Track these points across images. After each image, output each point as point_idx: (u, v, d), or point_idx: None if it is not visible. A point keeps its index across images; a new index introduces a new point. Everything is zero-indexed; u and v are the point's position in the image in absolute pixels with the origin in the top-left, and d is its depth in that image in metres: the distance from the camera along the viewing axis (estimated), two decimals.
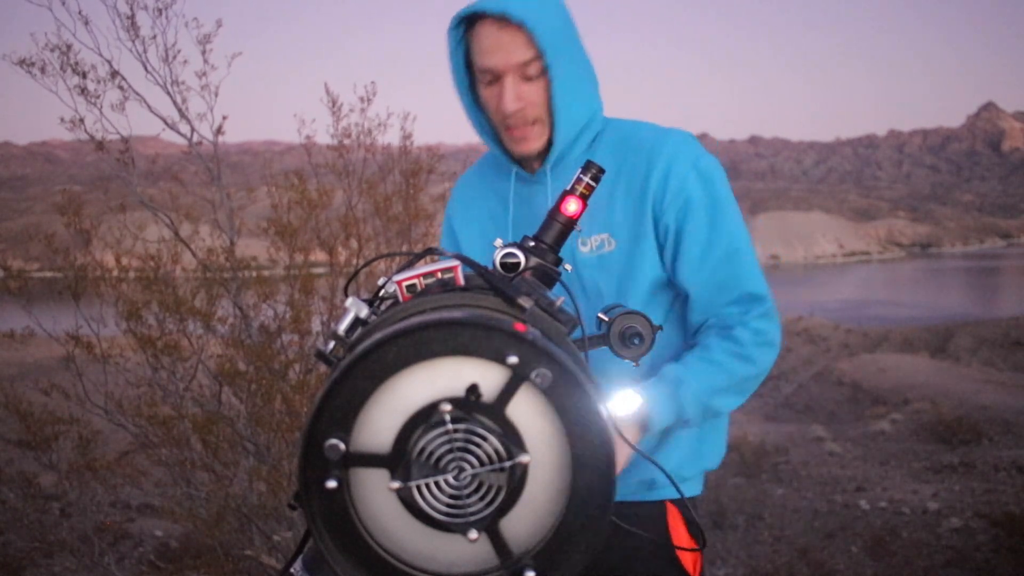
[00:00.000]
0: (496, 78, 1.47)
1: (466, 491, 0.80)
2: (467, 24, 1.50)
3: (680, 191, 1.49)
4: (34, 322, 4.11)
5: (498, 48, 1.44)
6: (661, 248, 1.53)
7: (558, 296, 1.11)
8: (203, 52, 3.98)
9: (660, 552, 1.58)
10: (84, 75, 3.84)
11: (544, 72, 1.46)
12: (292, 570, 1.07)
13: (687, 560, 1.58)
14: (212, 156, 4.15)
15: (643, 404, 1.39)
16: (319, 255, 4.46)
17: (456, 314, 0.85)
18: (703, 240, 1.49)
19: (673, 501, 1.60)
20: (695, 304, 1.52)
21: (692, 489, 1.64)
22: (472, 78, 1.55)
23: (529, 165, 1.59)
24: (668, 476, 1.29)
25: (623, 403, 1.37)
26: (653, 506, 1.59)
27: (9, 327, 4.22)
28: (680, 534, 1.60)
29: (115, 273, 4.21)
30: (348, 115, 4.41)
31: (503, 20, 1.43)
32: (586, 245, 1.55)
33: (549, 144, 1.53)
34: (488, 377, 0.80)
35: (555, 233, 1.24)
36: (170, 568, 4.64)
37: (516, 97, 1.46)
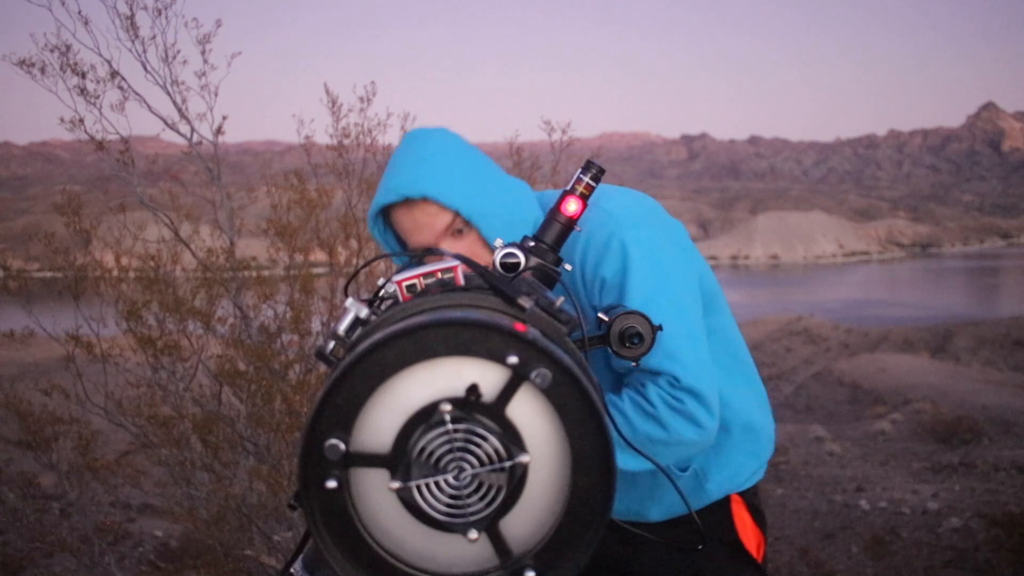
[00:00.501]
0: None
1: (466, 491, 0.80)
2: (383, 217, 1.55)
3: (595, 276, 1.48)
4: (34, 322, 4.11)
5: (418, 227, 1.48)
6: None
7: (558, 296, 1.11)
8: (203, 52, 3.98)
9: (726, 547, 1.60)
10: (84, 75, 3.84)
11: (468, 223, 1.48)
12: (292, 570, 1.07)
13: (751, 547, 1.61)
14: (212, 156, 4.15)
15: None
16: (319, 255, 4.46)
17: (456, 314, 0.85)
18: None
19: (739, 493, 1.63)
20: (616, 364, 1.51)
21: (751, 480, 1.65)
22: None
23: None
24: (668, 475, 1.29)
25: None
26: (718, 503, 1.61)
27: (9, 327, 4.22)
28: (745, 522, 1.63)
29: (115, 273, 4.21)
30: (348, 115, 4.41)
31: (408, 202, 1.47)
32: None
33: None
34: (488, 377, 0.80)
35: (555, 233, 1.24)
36: (170, 568, 4.64)
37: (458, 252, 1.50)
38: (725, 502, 1.63)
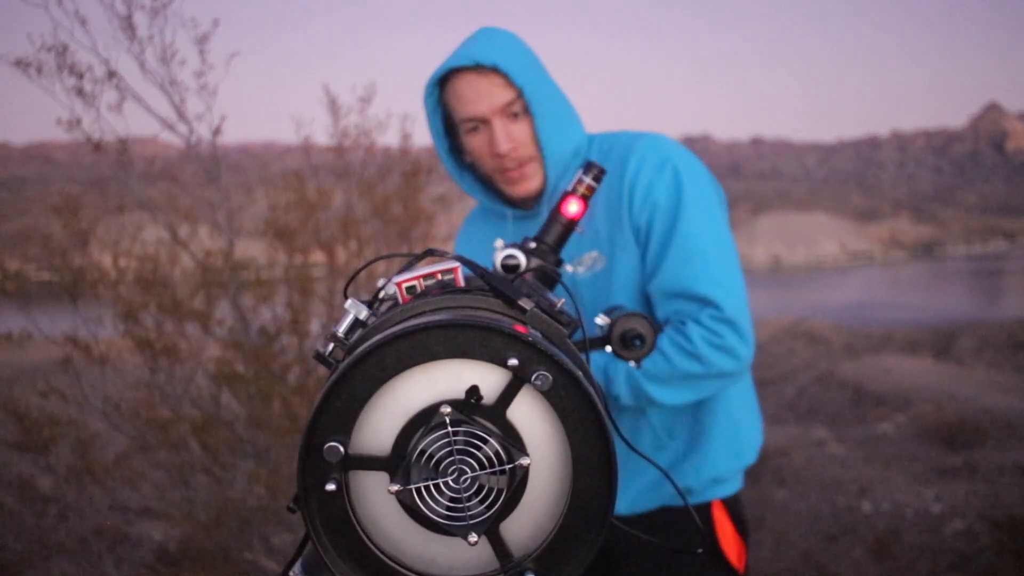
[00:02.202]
0: (482, 125, 1.52)
1: (466, 494, 0.80)
2: (441, 85, 1.55)
3: (647, 196, 1.50)
4: (32, 324, 4.10)
5: (480, 95, 1.50)
6: (644, 256, 1.53)
7: (559, 298, 1.10)
8: (201, 52, 3.97)
9: (705, 553, 1.61)
10: (81, 76, 3.83)
11: (526, 110, 1.51)
12: (291, 573, 1.06)
13: (732, 555, 1.61)
14: (210, 157, 4.15)
15: None
16: (318, 256, 4.46)
17: (456, 316, 0.85)
18: (662, 241, 1.49)
19: (721, 500, 1.63)
20: (656, 304, 1.53)
21: (732, 488, 1.66)
22: (451, 141, 1.59)
23: (525, 204, 1.61)
24: (669, 477, 1.28)
25: None
26: (698, 509, 1.61)
27: (6, 329, 4.21)
28: (726, 530, 1.63)
29: (113, 275, 4.20)
30: (347, 116, 4.41)
31: (478, 69, 1.48)
32: (581, 265, 1.56)
33: (543, 183, 1.55)
34: (488, 379, 0.79)
35: (556, 234, 1.24)
36: (169, 571, 4.63)
37: (507, 137, 1.51)
38: (706, 508, 1.63)
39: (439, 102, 1.57)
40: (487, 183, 1.59)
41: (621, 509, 1.62)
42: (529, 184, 1.55)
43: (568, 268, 1.28)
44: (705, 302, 1.46)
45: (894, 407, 16.69)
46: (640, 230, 1.51)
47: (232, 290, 4.12)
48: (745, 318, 1.48)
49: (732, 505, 1.67)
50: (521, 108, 1.51)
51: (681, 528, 1.56)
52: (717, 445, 1.61)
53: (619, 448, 1.36)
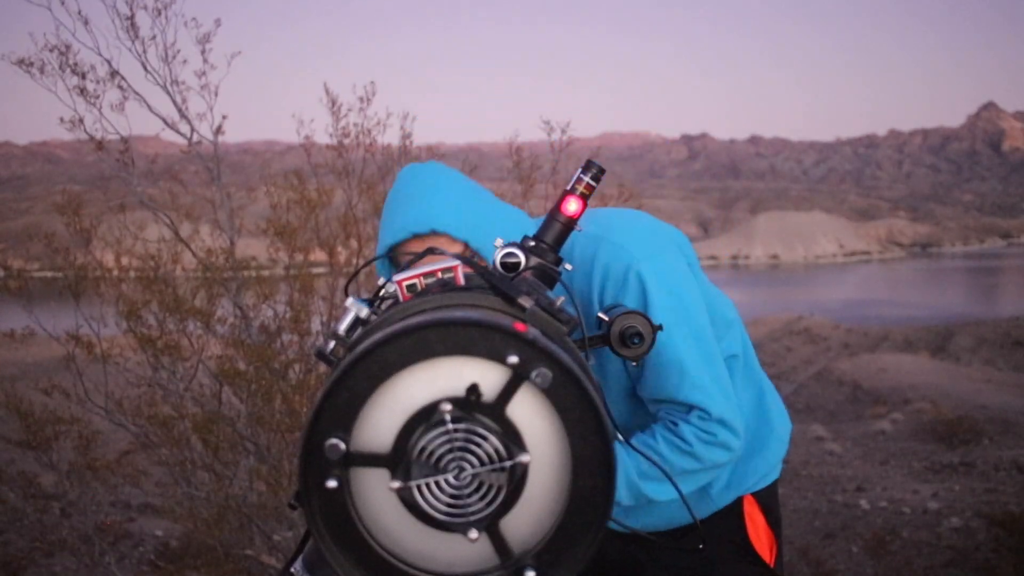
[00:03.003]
0: None
1: (466, 491, 0.80)
2: (390, 257, 1.56)
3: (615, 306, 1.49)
4: (34, 322, 4.10)
5: (427, 260, 1.50)
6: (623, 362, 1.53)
7: (558, 296, 1.11)
8: (202, 52, 3.98)
9: (735, 548, 1.61)
10: (83, 75, 3.83)
11: (477, 252, 1.51)
12: (292, 570, 1.07)
13: (763, 550, 1.61)
14: (212, 156, 4.15)
15: None
16: (319, 255, 4.46)
17: (456, 314, 0.85)
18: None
19: (753, 493, 1.63)
20: (646, 403, 1.54)
21: (767, 480, 1.66)
22: None
23: None
24: (670, 477, 1.30)
25: None
26: (727, 509, 1.62)
27: (9, 327, 4.21)
28: (757, 525, 1.63)
29: (115, 273, 4.20)
30: (347, 115, 4.41)
31: (416, 239, 1.49)
32: None
33: None
34: (488, 377, 0.80)
35: (555, 233, 1.24)
36: (170, 568, 4.65)
37: None
38: (736, 504, 1.63)
39: (391, 267, 1.58)
40: None
41: (654, 523, 1.63)
42: None
43: (568, 267, 1.28)
44: (691, 407, 1.46)
45: (891, 404, 16.69)
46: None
47: (233, 288, 4.12)
48: (731, 412, 1.47)
49: (764, 498, 1.67)
50: (472, 252, 1.51)
51: (714, 529, 1.57)
52: (742, 461, 1.62)
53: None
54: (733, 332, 1.66)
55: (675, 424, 1.47)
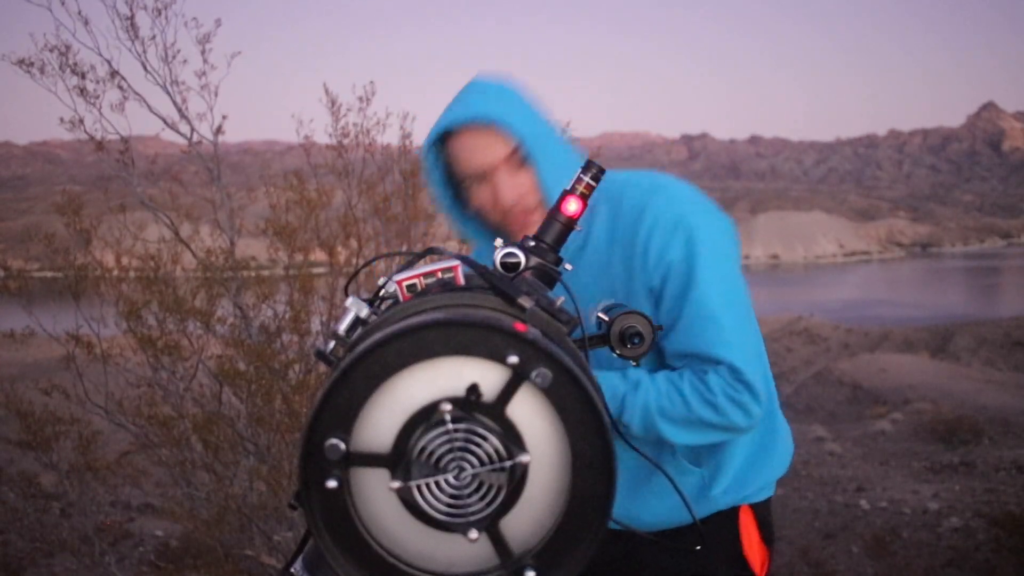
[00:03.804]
0: (485, 178, 1.51)
1: (466, 491, 0.80)
2: (440, 142, 1.55)
3: (661, 258, 1.48)
4: (34, 322, 4.10)
5: (479, 152, 1.49)
6: (656, 313, 1.53)
7: (558, 296, 1.11)
8: (203, 52, 3.98)
9: (727, 559, 1.59)
10: (83, 75, 3.84)
11: (527, 159, 1.49)
12: (292, 570, 1.06)
13: (755, 563, 1.60)
14: (212, 156, 4.15)
15: None
16: (319, 255, 4.46)
17: (456, 314, 0.85)
18: (674, 304, 1.48)
19: (750, 505, 1.62)
20: (670, 361, 1.52)
21: (763, 494, 1.65)
22: (455, 193, 1.59)
23: None
24: (670, 478, 1.29)
25: None
26: (726, 513, 1.60)
27: (9, 327, 4.21)
28: (751, 537, 1.62)
29: (115, 273, 4.20)
30: (347, 115, 4.41)
31: (474, 125, 1.48)
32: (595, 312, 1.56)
33: None
34: (488, 377, 0.80)
35: (555, 233, 1.24)
36: (170, 568, 4.65)
37: (511, 189, 1.50)
38: (733, 512, 1.62)
39: (438, 158, 1.57)
40: (495, 231, 1.59)
41: (651, 520, 1.61)
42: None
43: (568, 267, 1.27)
44: (720, 363, 1.45)
45: (891, 405, 16.69)
46: (653, 290, 1.50)
47: (233, 288, 4.12)
48: (759, 379, 1.47)
49: (760, 511, 1.65)
50: (522, 159, 1.49)
51: (710, 536, 1.56)
52: (745, 465, 1.61)
53: (646, 464, 1.38)
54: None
55: (704, 372, 1.46)
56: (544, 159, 1.49)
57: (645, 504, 1.59)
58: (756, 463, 1.63)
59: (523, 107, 1.52)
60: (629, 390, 1.45)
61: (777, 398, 1.73)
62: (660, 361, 1.55)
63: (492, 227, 1.58)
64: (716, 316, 1.45)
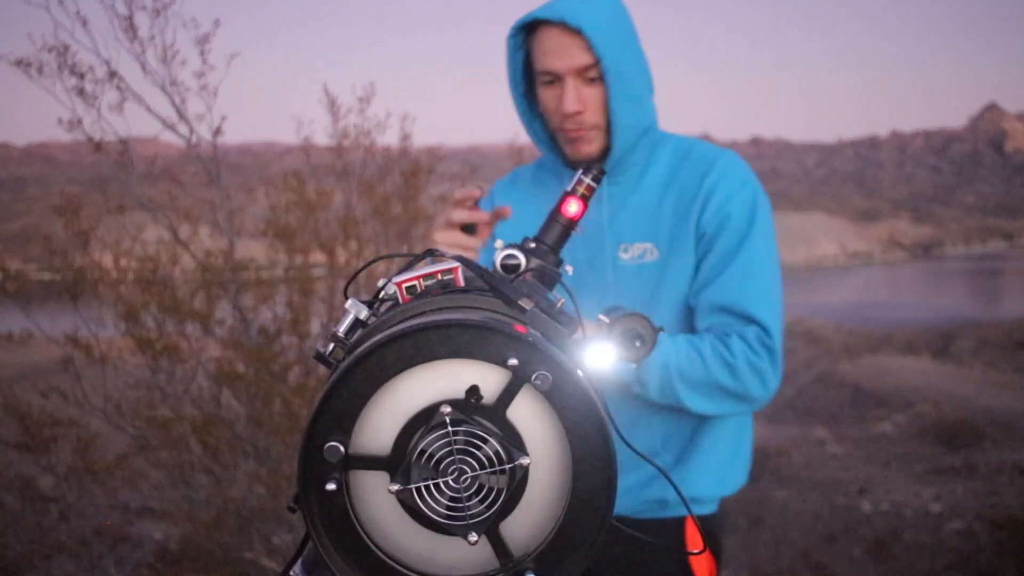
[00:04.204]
0: (557, 80, 1.51)
1: (466, 493, 0.79)
2: (527, 30, 1.55)
3: (722, 207, 1.52)
4: (32, 324, 4.11)
5: (559, 52, 1.49)
6: (698, 264, 1.53)
7: (559, 298, 1.10)
8: (201, 53, 3.98)
9: (673, 559, 1.59)
10: (82, 76, 3.84)
11: (602, 78, 1.49)
12: (291, 573, 1.06)
13: (701, 569, 1.59)
14: (211, 157, 4.15)
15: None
16: (318, 256, 4.46)
17: (456, 316, 0.85)
18: (725, 254, 1.50)
19: (694, 516, 1.61)
20: (699, 314, 1.52)
21: (708, 509, 1.64)
22: (527, 87, 1.58)
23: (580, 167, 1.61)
24: (669, 478, 1.28)
25: (598, 356, 1.36)
26: (672, 521, 1.60)
27: (7, 329, 4.22)
28: (696, 543, 1.61)
29: (114, 275, 4.20)
30: (347, 116, 4.41)
31: (563, 26, 1.48)
32: (627, 252, 1.55)
33: (604, 152, 1.55)
34: (488, 379, 0.79)
35: (556, 234, 1.24)
36: (169, 571, 4.64)
37: (577, 99, 1.51)
38: (680, 523, 1.61)
39: (521, 45, 1.57)
40: (553, 138, 1.59)
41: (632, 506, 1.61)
42: (588, 148, 1.55)
43: (568, 269, 1.27)
44: (754, 321, 1.46)
45: (893, 407, 16.68)
46: (705, 236, 1.51)
47: (232, 290, 4.12)
48: (781, 350, 1.49)
49: (707, 523, 1.65)
50: (598, 74, 1.49)
51: (653, 538, 1.56)
52: (704, 468, 1.60)
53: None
54: None
55: (727, 335, 1.46)
56: (618, 85, 1.49)
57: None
58: (715, 469, 1.62)
59: (616, 27, 1.51)
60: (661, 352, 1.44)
61: (751, 428, 1.73)
62: (686, 327, 1.56)
63: (550, 131, 1.59)
64: (762, 276, 1.49)
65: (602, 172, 1.23)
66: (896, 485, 8.76)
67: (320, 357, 1.00)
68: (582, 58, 1.48)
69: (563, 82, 1.50)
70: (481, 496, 0.80)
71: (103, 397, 4.07)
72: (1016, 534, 6.00)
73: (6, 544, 5.20)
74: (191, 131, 4.07)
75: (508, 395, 0.79)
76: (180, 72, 4.01)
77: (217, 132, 4.11)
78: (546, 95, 1.54)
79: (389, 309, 1.03)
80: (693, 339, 1.47)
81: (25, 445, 4.11)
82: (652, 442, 1.58)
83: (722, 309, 1.48)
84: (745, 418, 1.68)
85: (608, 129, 1.52)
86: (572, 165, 1.59)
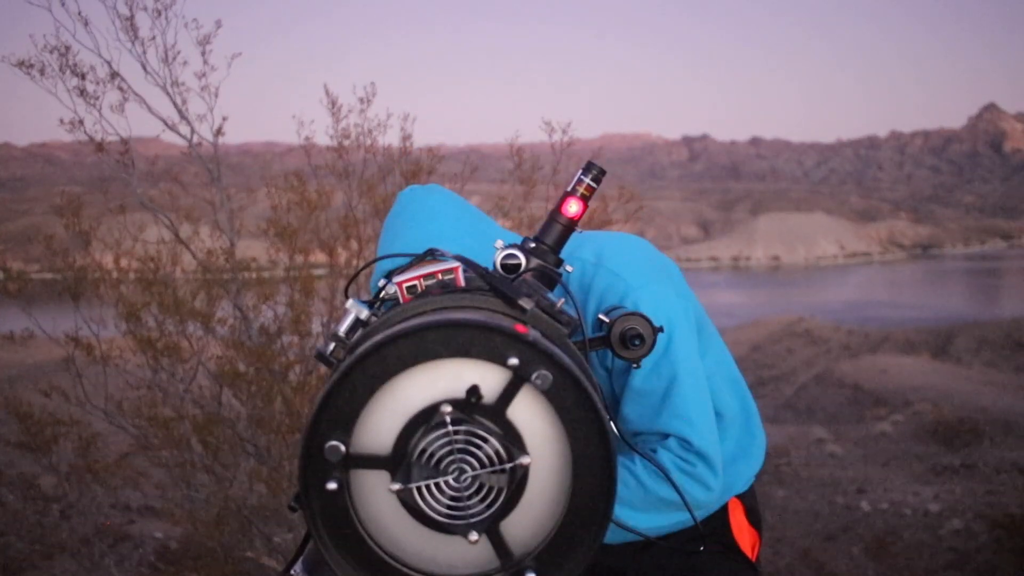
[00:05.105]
0: None
1: (467, 493, 0.80)
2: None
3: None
4: (34, 324, 4.10)
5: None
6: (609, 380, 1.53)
7: (559, 297, 1.10)
8: (203, 53, 3.98)
9: (722, 548, 1.61)
10: (83, 76, 3.83)
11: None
12: (292, 572, 1.06)
13: (746, 547, 1.62)
14: (212, 157, 4.15)
15: None
16: (319, 256, 4.46)
17: (457, 315, 0.85)
18: (623, 381, 1.48)
19: (736, 495, 1.62)
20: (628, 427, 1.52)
21: (743, 486, 1.66)
22: None
23: None
24: (674, 485, 1.29)
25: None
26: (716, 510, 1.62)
27: (9, 329, 4.22)
28: (740, 524, 1.63)
29: (115, 275, 4.20)
30: (347, 116, 4.40)
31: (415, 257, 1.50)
32: None
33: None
34: (489, 378, 0.79)
35: (556, 234, 1.23)
36: (170, 570, 4.64)
37: None
38: (722, 506, 1.64)
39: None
40: None
41: (649, 527, 1.62)
42: None
43: (568, 268, 1.27)
44: (669, 436, 1.45)
45: (892, 406, 16.67)
46: (609, 371, 1.52)
47: (233, 290, 4.12)
48: (715, 450, 1.45)
49: (747, 499, 1.68)
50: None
51: (703, 531, 1.58)
52: (731, 461, 1.62)
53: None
54: (715, 343, 1.66)
55: (653, 451, 1.45)
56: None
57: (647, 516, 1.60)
58: (738, 461, 1.65)
59: (460, 226, 1.53)
60: None
61: (755, 405, 1.73)
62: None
63: None
64: (677, 389, 1.44)
65: (602, 172, 1.24)
66: (895, 484, 8.75)
67: (321, 356, 1.01)
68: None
69: None
70: (481, 495, 0.80)
71: (104, 397, 4.07)
72: (1015, 533, 6.01)
73: (8, 543, 5.20)
74: (192, 131, 4.07)
75: (508, 394, 0.79)
76: (181, 72, 4.01)
77: (218, 132, 4.11)
78: None
79: (390, 309, 1.03)
80: (624, 462, 1.46)
81: (26, 444, 4.11)
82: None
83: (636, 435, 1.49)
84: (742, 394, 1.69)
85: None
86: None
